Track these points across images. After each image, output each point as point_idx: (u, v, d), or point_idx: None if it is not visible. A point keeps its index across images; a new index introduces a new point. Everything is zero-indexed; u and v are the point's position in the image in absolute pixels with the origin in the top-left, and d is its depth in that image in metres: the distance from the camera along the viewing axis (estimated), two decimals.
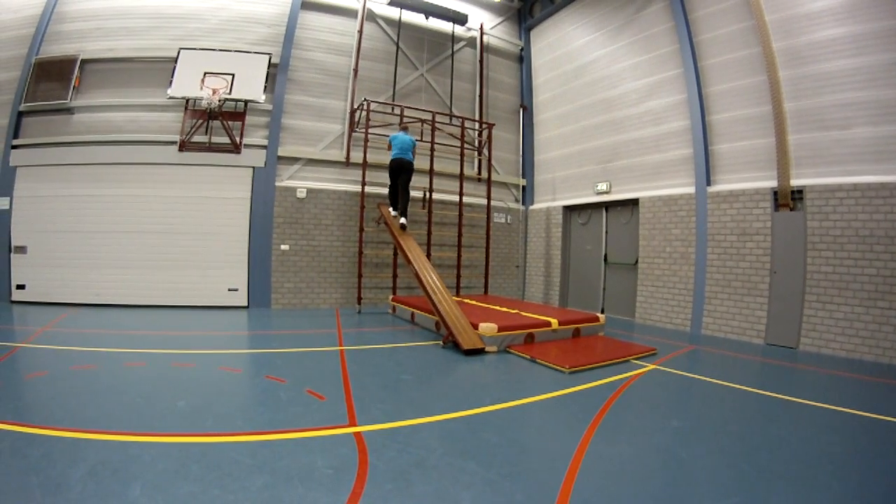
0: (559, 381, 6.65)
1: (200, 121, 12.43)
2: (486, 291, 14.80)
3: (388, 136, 13.30)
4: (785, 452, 4.37)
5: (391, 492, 3.37)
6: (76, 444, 3.91)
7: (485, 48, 16.52)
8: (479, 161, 15.94)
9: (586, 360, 7.62)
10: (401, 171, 12.08)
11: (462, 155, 14.63)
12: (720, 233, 10.84)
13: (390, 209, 12.58)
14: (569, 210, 15.51)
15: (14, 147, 12.23)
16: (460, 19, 15.54)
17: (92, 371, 6.21)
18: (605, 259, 14.19)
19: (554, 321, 9.32)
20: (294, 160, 13.49)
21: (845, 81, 9.03)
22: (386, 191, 13.44)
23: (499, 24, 17.04)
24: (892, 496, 3.60)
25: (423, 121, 13.78)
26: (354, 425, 4.65)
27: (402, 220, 12.10)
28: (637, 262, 12.90)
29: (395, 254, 13.38)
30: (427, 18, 15.31)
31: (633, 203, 13.15)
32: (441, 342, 8.86)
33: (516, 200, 17.16)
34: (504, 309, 10.74)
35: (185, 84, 12.24)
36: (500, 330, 8.48)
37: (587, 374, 7.09)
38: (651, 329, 11.69)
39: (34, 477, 3.30)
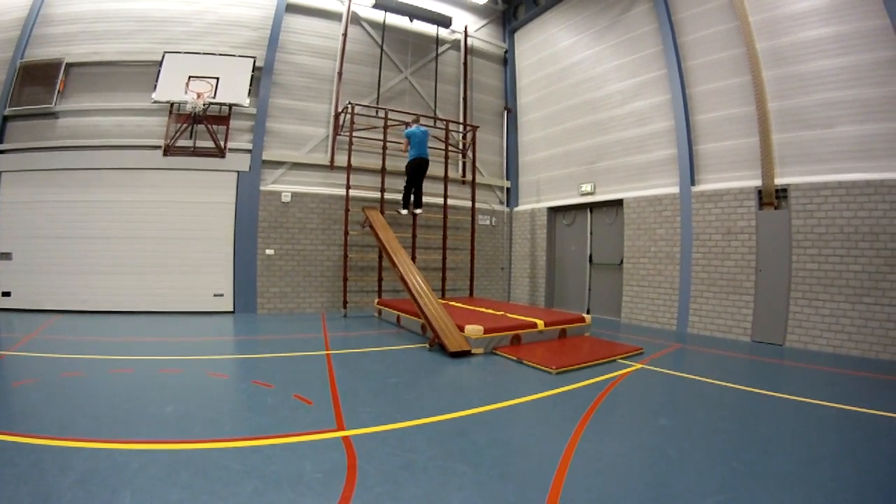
0: (546, 382, 6.68)
1: (185, 125, 12.37)
2: (471, 293, 14.80)
3: (373, 139, 13.39)
4: (773, 448, 4.42)
5: (381, 495, 3.38)
6: (65, 452, 3.89)
7: (469, 50, 16.55)
8: (464, 163, 15.96)
9: (573, 361, 7.65)
10: (421, 171, 12.51)
11: (446, 157, 14.73)
12: (705, 232, 10.93)
13: (402, 209, 12.99)
14: (553, 211, 15.59)
15: None
16: (444, 22, 15.55)
17: (79, 378, 6.18)
18: (591, 260, 14.27)
19: (540, 322, 9.36)
20: (278, 164, 13.45)
21: (829, 81, 9.16)
22: (374, 194, 13.76)
23: (483, 26, 17.09)
24: (880, 490, 3.66)
25: (406, 123, 13.76)
26: (342, 429, 4.65)
27: (418, 210, 13.17)
28: (622, 262, 12.98)
29: (381, 257, 13.36)
30: (411, 21, 15.32)
31: (618, 204, 13.24)
32: (427, 345, 8.87)
33: (501, 202, 17.23)
34: (490, 311, 10.77)
35: (170, 88, 12.17)
36: (486, 332, 8.51)
37: (574, 374, 7.12)
38: (637, 328, 11.76)
39: (24, 486, 3.29)
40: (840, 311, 8.85)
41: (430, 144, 14.14)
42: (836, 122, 9.09)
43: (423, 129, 12.49)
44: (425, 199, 14.40)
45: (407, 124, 13.22)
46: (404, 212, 12.93)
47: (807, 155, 9.46)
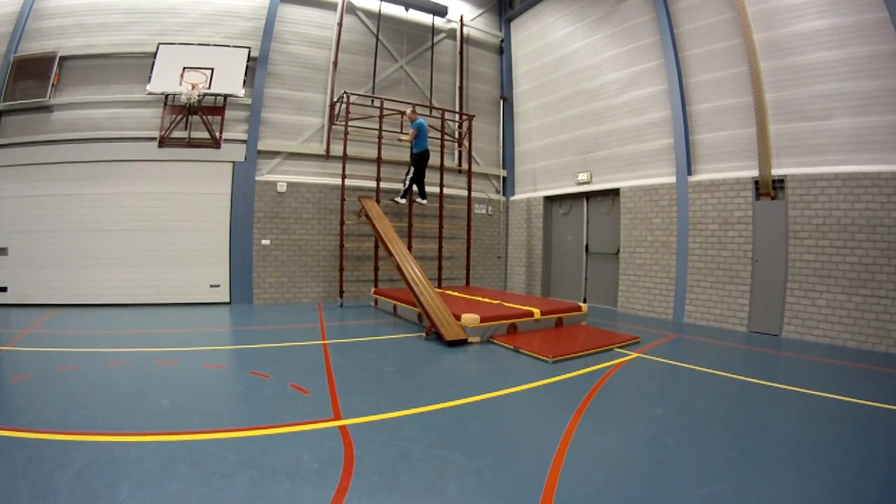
0: (543, 371, 6.70)
1: (180, 116, 12.29)
2: (468, 283, 14.84)
3: (369, 128, 13.39)
4: (771, 438, 4.45)
5: (378, 484, 3.40)
6: (63, 446, 3.90)
7: (465, 40, 16.48)
8: (460, 153, 15.92)
9: (569, 350, 7.67)
10: (427, 162, 12.74)
11: (442, 146, 14.72)
12: (701, 222, 10.93)
13: (401, 198, 13.05)
14: (550, 200, 15.58)
15: None
16: (440, 11, 15.48)
17: (76, 372, 6.17)
18: (587, 249, 14.28)
19: (536, 311, 9.38)
20: (274, 154, 13.40)
21: (826, 73, 9.12)
22: (370, 184, 13.76)
23: (479, 15, 17.02)
24: (875, 479, 3.68)
25: (402, 113, 13.72)
26: (339, 419, 4.67)
27: (424, 201, 13.36)
28: (618, 251, 12.98)
29: (377, 246, 13.36)
30: (407, 10, 15.24)
31: (614, 193, 13.23)
32: (424, 334, 8.88)
33: (497, 191, 17.20)
34: (486, 300, 10.79)
35: (165, 79, 12.07)
36: (482, 321, 8.54)
37: (571, 363, 7.15)
38: (633, 318, 11.78)
39: (21, 481, 3.29)
40: (836, 302, 8.87)
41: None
42: (833, 114, 9.07)
43: (426, 121, 12.51)
44: None
45: (403, 113, 13.23)
46: (402, 200, 12.95)
47: (804, 146, 9.44)
